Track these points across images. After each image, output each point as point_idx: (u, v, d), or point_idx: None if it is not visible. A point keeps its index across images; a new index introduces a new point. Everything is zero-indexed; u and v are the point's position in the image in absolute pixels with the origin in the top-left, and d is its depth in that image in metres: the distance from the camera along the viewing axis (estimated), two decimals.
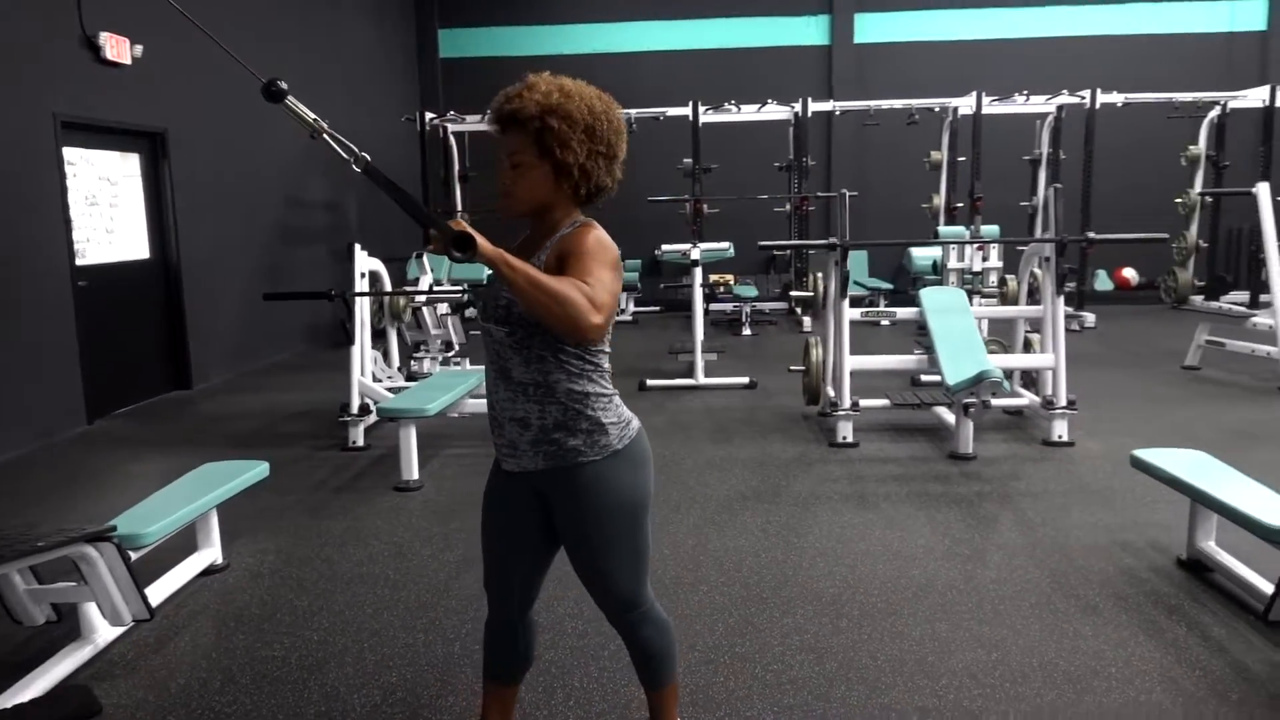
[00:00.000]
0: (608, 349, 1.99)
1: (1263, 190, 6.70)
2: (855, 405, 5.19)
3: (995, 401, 4.75)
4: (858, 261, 12.53)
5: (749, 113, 10.58)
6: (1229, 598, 3.13)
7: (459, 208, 11.43)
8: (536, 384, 1.90)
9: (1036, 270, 5.58)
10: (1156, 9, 12.51)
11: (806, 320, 9.91)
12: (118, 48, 6.29)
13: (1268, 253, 6.61)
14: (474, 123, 10.89)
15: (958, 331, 5.01)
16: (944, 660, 2.75)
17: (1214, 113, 10.46)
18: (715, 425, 5.78)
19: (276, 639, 3.03)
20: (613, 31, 13.35)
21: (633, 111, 10.08)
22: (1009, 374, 5.42)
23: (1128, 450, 3.97)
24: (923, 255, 7.07)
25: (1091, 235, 5.14)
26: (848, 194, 5.41)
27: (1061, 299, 5.13)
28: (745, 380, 6.87)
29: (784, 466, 4.84)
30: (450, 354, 7.19)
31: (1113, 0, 12.54)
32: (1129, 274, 12.37)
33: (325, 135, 1.69)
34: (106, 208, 6.70)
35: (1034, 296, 5.81)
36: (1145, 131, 11.43)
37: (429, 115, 10.77)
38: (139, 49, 6.47)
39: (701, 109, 10.18)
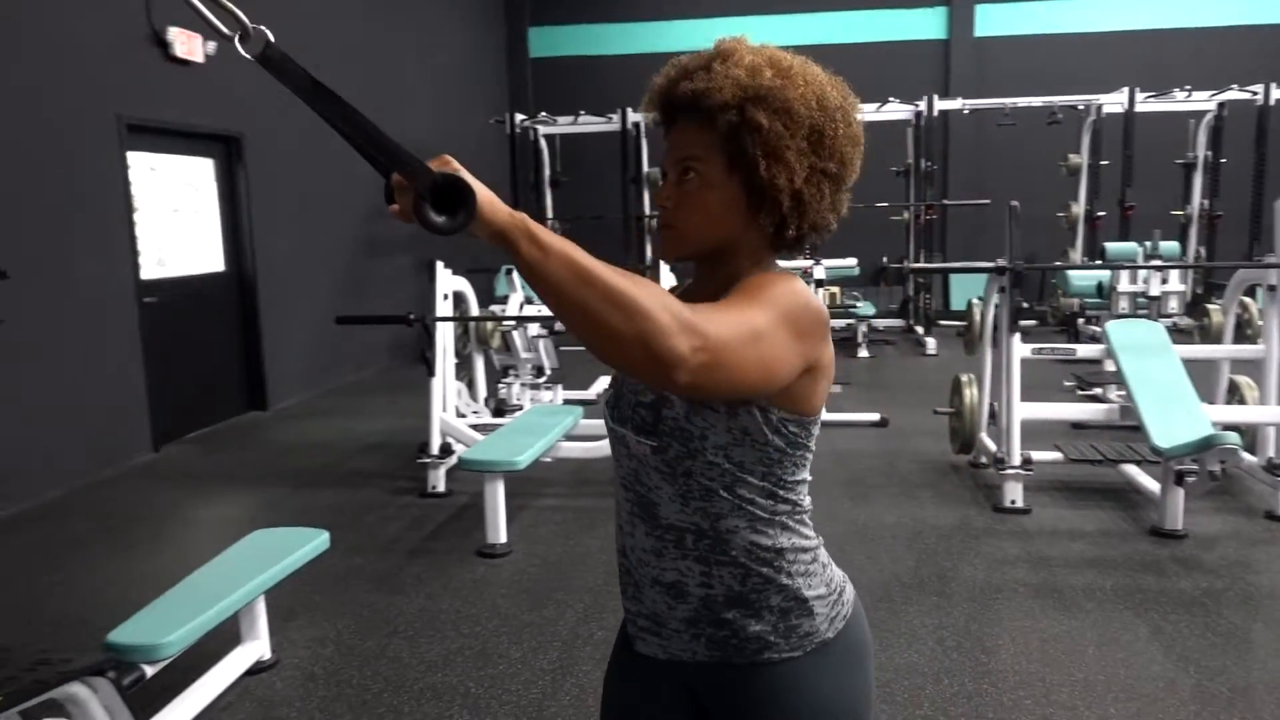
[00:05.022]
0: (809, 473, 1.22)
1: None
2: (1027, 463, 4.29)
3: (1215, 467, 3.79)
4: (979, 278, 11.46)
5: (868, 112, 9.63)
6: None
7: (549, 215, 10.80)
8: (698, 531, 1.15)
9: (1248, 299, 4.58)
10: None
11: (931, 341, 8.94)
12: (188, 44, 5.79)
13: None
14: (565, 124, 10.26)
15: (1161, 377, 4.08)
16: None
17: None
18: (849, 476, 4.94)
19: None
20: (715, 27, 12.54)
21: None
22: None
23: None
24: (1083, 276, 6.10)
25: None
26: (1017, 205, 4.51)
27: None
28: (875, 417, 6.00)
29: (944, 539, 3.97)
30: (541, 380, 6.50)
31: None
32: None
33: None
34: (177, 217, 6.22)
35: (1241, 331, 4.80)
36: None
37: (519, 117, 10.15)
38: (211, 46, 5.96)
39: None
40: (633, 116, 9.94)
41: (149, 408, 5.66)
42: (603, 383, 7.39)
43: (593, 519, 4.33)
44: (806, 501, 1.21)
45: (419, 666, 2.97)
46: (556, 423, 4.51)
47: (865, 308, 8.97)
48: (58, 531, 4.36)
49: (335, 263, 8.01)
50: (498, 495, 3.93)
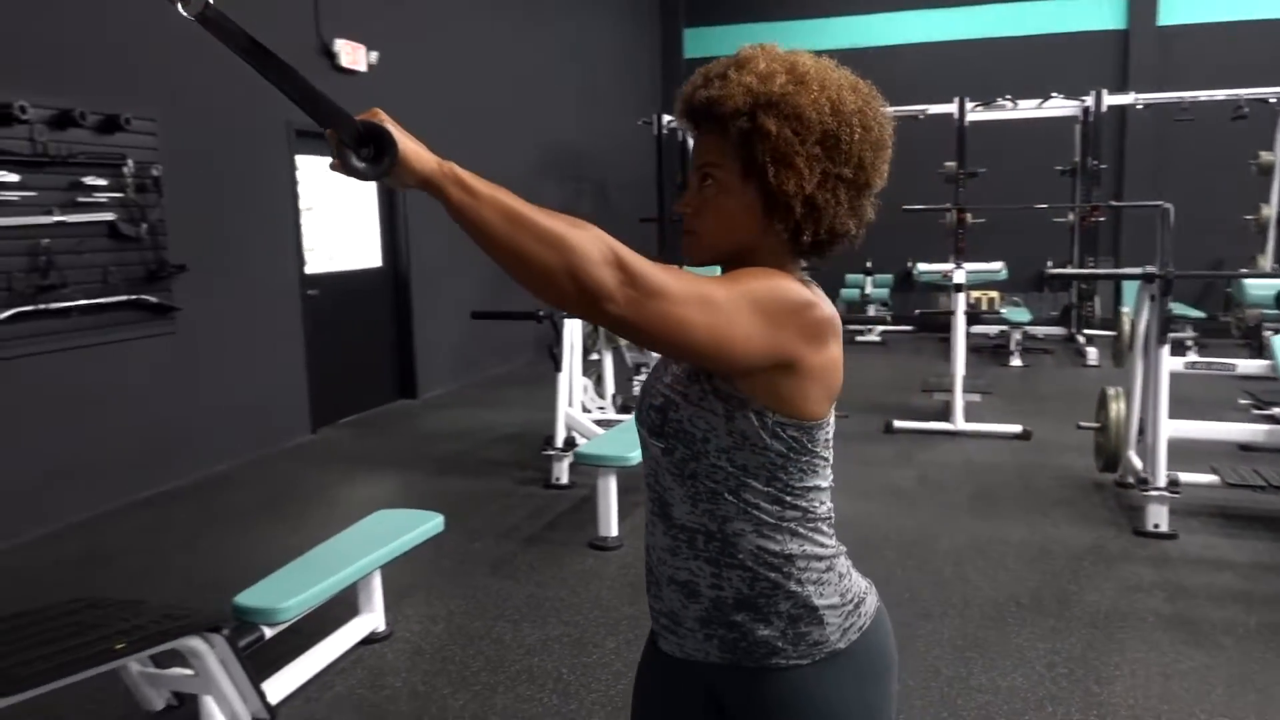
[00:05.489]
0: (825, 480, 1.20)
1: None
2: (1174, 484, 3.99)
3: None
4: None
5: (1027, 108, 9.17)
6: None
7: None
8: (707, 533, 1.17)
9: None
10: None
11: (1091, 351, 8.41)
12: (354, 55, 6.20)
13: None
14: None
15: None
16: None
17: None
18: (978, 488, 4.74)
19: None
20: (869, 24, 12.27)
21: (890, 109, 9.03)
22: None
23: None
24: (1261, 285, 5.55)
25: None
26: (1170, 208, 4.19)
27: None
28: (1017, 429, 5.71)
29: (1072, 561, 3.75)
30: None
31: None
32: None
33: None
34: (339, 216, 6.68)
35: None
36: None
37: (665, 118, 10.25)
38: (375, 56, 6.37)
39: (970, 105, 8.93)
40: None
41: (309, 393, 6.12)
42: None
43: None
44: (822, 509, 1.20)
45: (519, 649, 3.09)
46: None
47: (1015, 314, 8.52)
48: (218, 502, 4.79)
49: (481, 259, 8.33)
50: (610, 489, 4.02)
